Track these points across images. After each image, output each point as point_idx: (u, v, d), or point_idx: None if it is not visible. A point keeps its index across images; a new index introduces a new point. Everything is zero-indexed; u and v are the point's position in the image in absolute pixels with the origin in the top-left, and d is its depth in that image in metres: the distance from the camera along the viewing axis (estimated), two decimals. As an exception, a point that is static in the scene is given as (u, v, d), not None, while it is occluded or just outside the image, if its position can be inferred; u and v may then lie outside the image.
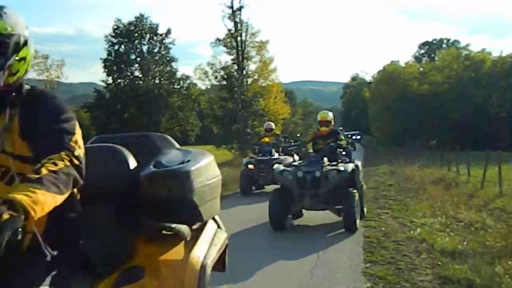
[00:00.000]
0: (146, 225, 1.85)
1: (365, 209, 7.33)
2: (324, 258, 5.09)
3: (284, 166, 7.17)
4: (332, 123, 7.51)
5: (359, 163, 7.21)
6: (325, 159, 6.72)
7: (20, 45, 1.49)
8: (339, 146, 7.24)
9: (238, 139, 27.67)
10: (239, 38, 28.59)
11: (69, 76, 25.36)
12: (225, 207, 5.83)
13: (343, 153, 7.84)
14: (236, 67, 28.88)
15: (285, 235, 6.46)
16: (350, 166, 6.73)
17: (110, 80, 45.44)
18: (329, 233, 6.36)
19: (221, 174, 2.25)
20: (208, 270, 1.85)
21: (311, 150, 7.47)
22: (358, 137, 51.52)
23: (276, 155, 10.94)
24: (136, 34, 45.92)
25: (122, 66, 45.35)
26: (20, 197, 1.15)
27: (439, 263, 4.74)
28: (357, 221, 6.30)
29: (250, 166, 10.75)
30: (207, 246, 1.95)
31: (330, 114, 7.52)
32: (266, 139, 11.88)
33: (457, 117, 37.84)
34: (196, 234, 1.95)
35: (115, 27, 45.65)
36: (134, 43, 45.88)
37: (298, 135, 17.82)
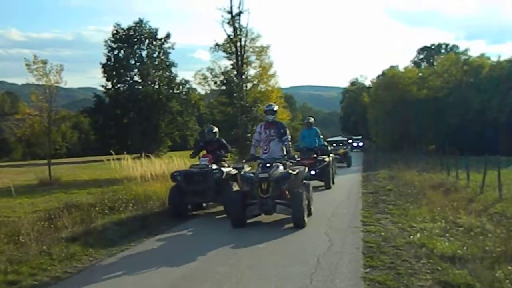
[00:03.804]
0: None
1: None
2: (324, 263, 5.08)
3: None
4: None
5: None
6: None
7: None
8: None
9: (238, 144, 27.59)
10: (238, 43, 28.60)
11: (68, 81, 25.47)
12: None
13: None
14: (235, 72, 28.86)
15: (284, 240, 6.45)
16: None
17: (109, 85, 45.38)
18: (329, 238, 6.35)
19: None
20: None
21: None
22: (361, 143, 48.36)
23: None
24: (136, 39, 45.88)
25: (122, 71, 45.23)
26: None
27: (439, 268, 4.73)
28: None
29: None
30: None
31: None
32: None
33: (456, 121, 37.87)
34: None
35: (114, 32, 45.62)
36: (133, 48, 45.77)
37: None
